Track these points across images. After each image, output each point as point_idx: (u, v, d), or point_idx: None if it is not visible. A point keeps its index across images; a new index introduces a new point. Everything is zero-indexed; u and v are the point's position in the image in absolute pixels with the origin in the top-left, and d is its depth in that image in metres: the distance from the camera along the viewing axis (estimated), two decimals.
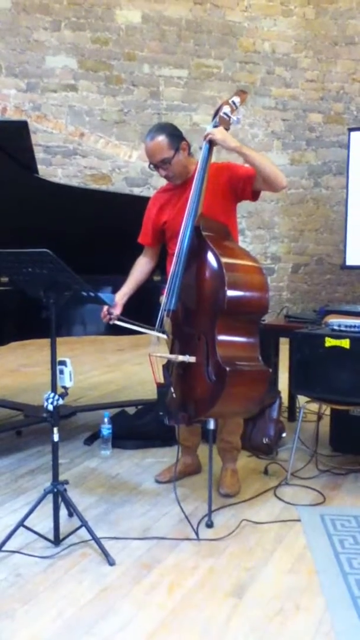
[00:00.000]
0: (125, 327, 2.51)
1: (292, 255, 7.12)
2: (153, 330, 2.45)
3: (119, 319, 2.54)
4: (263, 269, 2.44)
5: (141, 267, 2.71)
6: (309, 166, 7.01)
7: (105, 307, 2.54)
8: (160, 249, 2.73)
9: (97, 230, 3.21)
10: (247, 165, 2.46)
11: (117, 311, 2.55)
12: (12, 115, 6.13)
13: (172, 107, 6.59)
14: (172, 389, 2.35)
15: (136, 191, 6.43)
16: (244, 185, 2.50)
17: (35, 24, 6.14)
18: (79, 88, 6.34)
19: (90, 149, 6.45)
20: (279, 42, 6.81)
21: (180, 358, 2.30)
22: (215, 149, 2.44)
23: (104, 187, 6.41)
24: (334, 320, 2.74)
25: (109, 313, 2.54)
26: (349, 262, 6.03)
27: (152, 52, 6.49)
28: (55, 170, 6.31)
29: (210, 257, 2.31)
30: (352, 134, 5.96)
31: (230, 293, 2.25)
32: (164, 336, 2.45)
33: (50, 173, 6.10)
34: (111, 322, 2.56)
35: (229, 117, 2.38)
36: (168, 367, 2.41)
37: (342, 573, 2.04)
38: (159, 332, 2.43)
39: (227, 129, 2.39)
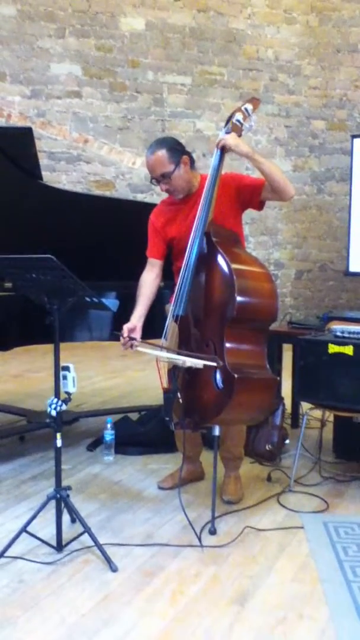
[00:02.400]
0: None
1: (295, 261, 7.12)
2: (193, 356, 2.31)
3: (141, 345, 2.39)
4: (272, 276, 2.44)
5: (151, 287, 2.60)
6: (312, 173, 7.02)
7: (125, 333, 2.40)
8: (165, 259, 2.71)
9: (100, 236, 3.22)
10: (254, 174, 2.46)
11: (137, 336, 2.43)
12: (16, 121, 6.16)
13: (175, 113, 6.62)
14: (179, 394, 2.34)
15: (140, 197, 6.44)
16: (252, 195, 2.51)
17: (40, 31, 6.17)
18: (83, 95, 6.37)
19: (94, 155, 6.47)
20: (282, 49, 6.83)
21: (188, 363, 2.29)
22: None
23: (107, 194, 6.43)
24: (338, 327, 2.74)
25: (130, 338, 2.39)
26: (352, 269, 6.02)
27: (155, 59, 6.52)
28: (59, 176, 6.34)
29: (221, 263, 2.31)
30: (355, 140, 5.96)
31: (240, 300, 2.25)
32: (212, 363, 2.27)
33: (54, 179, 6.12)
34: (133, 350, 2.40)
35: (241, 123, 2.39)
36: (174, 372, 2.40)
37: (346, 581, 2.03)
38: (203, 358, 2.28)
39: (239, 136, 2.40)
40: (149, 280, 2.62)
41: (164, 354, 2.35)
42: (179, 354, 2.34)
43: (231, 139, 2.36)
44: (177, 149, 2.49)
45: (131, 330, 2.44)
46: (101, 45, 6.37)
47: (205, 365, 2.26)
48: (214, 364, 2.27)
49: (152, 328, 2.61)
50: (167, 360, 2.42)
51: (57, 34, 6.23)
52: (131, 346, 2.40)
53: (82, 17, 6.27)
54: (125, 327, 2.43)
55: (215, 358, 2.27)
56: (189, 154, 2.53)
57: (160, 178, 2.49)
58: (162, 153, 2.45)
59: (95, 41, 6.34)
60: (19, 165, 3.06)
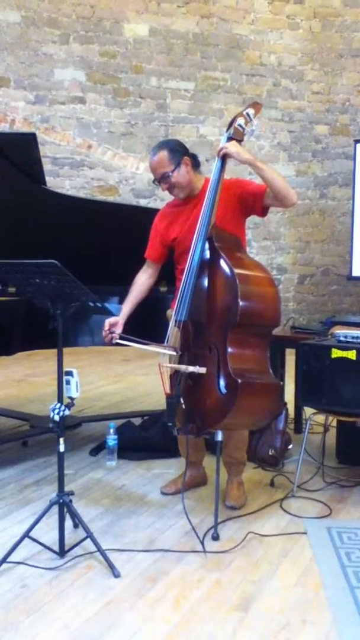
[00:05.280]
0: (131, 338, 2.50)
1: (298, 266, 7.12)
2: (158, 346, 2.42)
3: (121, 338, 2.51)
4: (275, 281, 2.44)
5: (141, 286, 2.68)
6: (315, 177, 7.03)
7: (107, 327, 2.52)
8: (166, 262, 2.73)
9: (104, 241, 3.23)
10: (258, 180, 2.47)
11: (118, 330, 2.53)
12: (20, 127, 6.19)
13: (179, 119, 6.64)
14: (181, 400, 2.34)
15: (143, 202, 6.46)
16: (254, 201, 2.51)
17: (44, 37, 6.21)
18: (87, 100, 6.40)
19: (98, 160, 6.50)
20: (285, 54, 6.85)
21: (191, 369, 2.30)
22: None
23: (111, 199, 6.45)
24: (341, 332, 2.74)
25: (111, 332, 2.52)
26: (355, 273, 6.02)
27: (159, 65, 6.54)
28: (62, 181, 6.36)
29: (224, 267, 2.32)
30: (358, 145, 5.97)
31: (244, 304, 2.25)
32: (172, 352, 2.41)
33: (58, 184, 6.14)
34: (113, 342, 2.52)
35: (243, 128, 2.40)
36: (176, 377, 2.41)
37: (349, 587, 2.02)
38: (167, 348, 2.41)
39: (241, 140, 2.41)
40: (141, 279, 2.69)
41: (142, 347, 2.42)
42: (148, 345, 2.42)
43: (232, 147, 2.37)
44: (178, 150, 2.52)
45: (113, 325, 2.54)
46: (105, 51, 6.40)
47: (194, 371, 2.29)
48: (174, 353, 2.36)
49: (156, 333, 2.62)
50: (168, 366, 2.43)
51: (61, 40, 6.26)
52: (111, 339, 2.53)
53: (86, 24, 6.31)
54: (107, 321, 2.55)
55: (176, 348, 2.38)
56: (191, 156, 2.55)
57: (161, 179, 2.53)
58: (163, 154, 2.49)
59: (99, 47, 6.37)
60: (23, 171, 3.07)
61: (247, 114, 2.41)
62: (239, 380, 2.22)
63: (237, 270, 2.28)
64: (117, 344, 2.55)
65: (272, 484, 2.88)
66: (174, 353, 2.40)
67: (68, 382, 2.19)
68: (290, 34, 6.84)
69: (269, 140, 6.87)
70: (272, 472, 3.01)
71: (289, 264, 7.10)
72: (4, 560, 2.11)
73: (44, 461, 3.16)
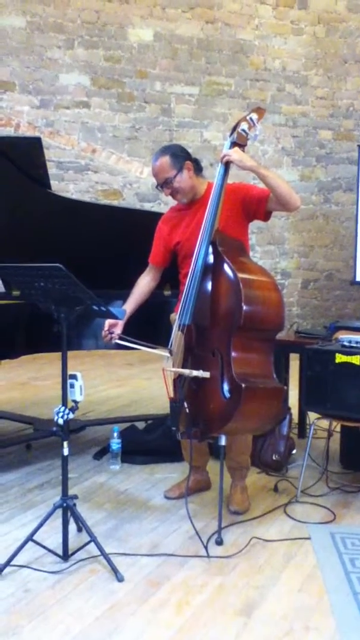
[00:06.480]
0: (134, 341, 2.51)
1: (302, 270, 7.12)
2: (156, 348, 2.45)
3: (120, 338, 2.53)
4: (279, 285, 2.45)
5: (142, 288, 2.71)
6: (319, 182, 7.03)
7: (106, 327, 2.54)
8: (169, 266, 2.73)
9: (108, 245, 3.23)
10: (261, 184, 2.48)
11: (118, 330, 2.55)
12: (25, 131, 6.22)
13: (183, 124, 6.66)
14: (185, 404, 2.34)
15: (147, 206, 6.48)
16: (258, 206, 2.52)
17: (49, 42, 6.24)
18: (91, 105, 6.43)
19: (102, 164, 6.52)
20: (290, 59, 6.87)
21: (195, 373, 2.30)
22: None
23: (115, 203, 6.46)
24: (345, 337, 2.73)
25: (110, 332, 2.54)
26: (359, 278, 6.02)
27: (163, 70, 6.57)
28: (67, 185, 6.38)
29: (227, 272, 2.32)
30: None
31: (247, 309, 2.25)
32: (167, 354, 2.43)
33: (62, 188, 6.16)
34: (112, 342, 2.55)
35: (247, 133, 2.40)
36: (179, 381, 2.41)
37: (353, 593, 2.02)
38: (163, 350, 2.43)
39: (244, 145, 2.42)
40: (143, 282, 2.72)
41: (140, 348, 2.46)
42: (145, 346, 2.46)
43: (235, 154, 2.37)
44: (180, 155, 2.53)
45: (112, 325, 2.56)
46: (109, 56, 6.42)
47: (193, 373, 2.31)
48: (167, 354, 2.41)
49: (159, 336, 2.63)
50: (172, 370, 2.43)
51: (66, 44, 6.29)
52: (110, 339, 2.56)
53: (90, 29, 6.34)
54: (107, 322, 2.56)
55: (171, 350, 2.44)
56: (193, 160, 2.56)
57: (163, 184, 2.54)
58: (165, 159, 2.50)
59: (103, 52, 6.40)
60: (28, 175, 3.08)
61: (251, 119, 2.41)
62: (243, 385, 2.22)
63: (240, 275, 2.29)
64: (116, 344, 2.58)
65: (275, 489, 2.87)
66: (169, 355, 2.43)
67: (72, 386, 2.19)
68: (294, 39, 6.86)
69: (273, 145, 6.88)
70: (276, 477, 3.00)
71: (293, 269, 7.10)
72: (7, 563, 2.11)
73: (48, 465, 3.16)
